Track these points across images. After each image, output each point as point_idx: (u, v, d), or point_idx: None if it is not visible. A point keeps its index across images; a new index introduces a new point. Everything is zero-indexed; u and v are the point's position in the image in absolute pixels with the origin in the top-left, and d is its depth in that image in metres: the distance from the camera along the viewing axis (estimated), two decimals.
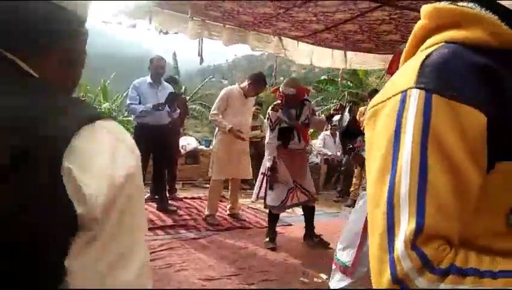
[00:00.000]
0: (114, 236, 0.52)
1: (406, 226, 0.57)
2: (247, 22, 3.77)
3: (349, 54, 4.81)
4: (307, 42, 4.36)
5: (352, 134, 3.01)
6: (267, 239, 3.89)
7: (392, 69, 2.47)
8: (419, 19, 2.53)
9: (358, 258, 2.46)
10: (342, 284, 2.53)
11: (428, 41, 0.70)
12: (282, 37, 4.29)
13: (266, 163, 3.84)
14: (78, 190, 0.48)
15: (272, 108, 3.82)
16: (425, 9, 0.71)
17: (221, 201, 5.00)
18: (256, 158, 6.00)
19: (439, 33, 0.68)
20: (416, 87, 0.60)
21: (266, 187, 3.82)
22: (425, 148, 0.58)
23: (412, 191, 0.58)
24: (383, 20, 3.41)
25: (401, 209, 0.58)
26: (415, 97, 0.60)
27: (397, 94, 0.63)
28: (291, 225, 4.77)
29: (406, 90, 0.61)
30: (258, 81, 4.42)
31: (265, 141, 3.92)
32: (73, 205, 0.48)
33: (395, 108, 0.62)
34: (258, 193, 3.96)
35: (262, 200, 4.03)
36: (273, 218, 3.98)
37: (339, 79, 7.30)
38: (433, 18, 0.70)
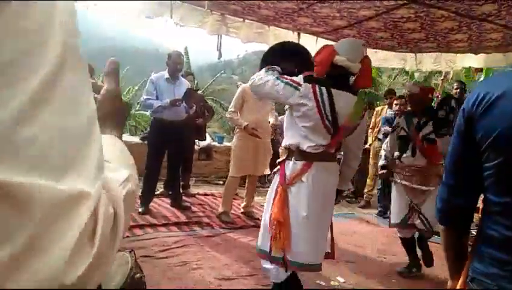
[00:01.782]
0: None
1: None
2: (267, 17, 3.70)
3: (369, 51, 4.71)
4: (327, 38, 4.26)
5: None
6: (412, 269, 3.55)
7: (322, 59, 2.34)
8: (446, 17, 2.52)
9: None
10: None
11: None
12: (302, 33, 4.21)
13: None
14: None
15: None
16: None
17: (234, 199, 4.95)
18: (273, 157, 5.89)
19: None
20: None
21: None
22: None
23: None
24: (409, 18, 3.31)
25: None
26: None
27: None
28: None
29: None
30: None
31: (384, 147, 3.71)
32: None
33: None
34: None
35: None
36: (408, 244, 3.55)
37: None
38: None
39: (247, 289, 2.93)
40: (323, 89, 2.23)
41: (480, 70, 5.60)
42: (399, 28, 3.57)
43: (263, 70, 2.39)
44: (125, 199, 0.56)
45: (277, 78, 2.29)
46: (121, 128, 0.82)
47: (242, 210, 4.80)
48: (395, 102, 5.39)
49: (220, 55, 3.79)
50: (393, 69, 9.90)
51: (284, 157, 2.45)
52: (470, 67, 5.35)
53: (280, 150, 2.25)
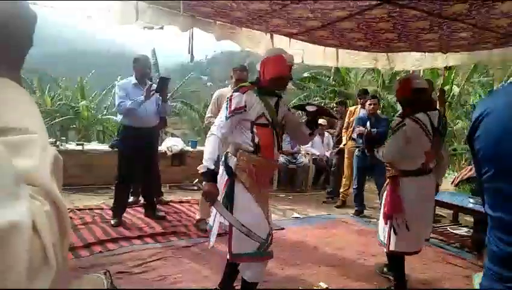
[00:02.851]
0: None
1: None
2: (239, 19, 3.60)
3: (341, 52, 4.71)
4: (301, 40, 4.21)
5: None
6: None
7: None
8: (418, 17, 2.61)
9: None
10: None
11: None
12: (274, 35, 4.14)
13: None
14: None
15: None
16: None
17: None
18: None
19: None
20: None
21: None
22: None
23: None
24: (382, 18, 3.30)
25: None
26: None
27: None
28: (283, 228, 4.64)
29: None
30: (234, 73, 4.26)
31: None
32: None
33: None
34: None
35: None
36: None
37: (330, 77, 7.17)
38: None
39: None
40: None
41: (449, 68, 5.72)
42: (372, 28, 3.56)
43: None
44: (52, 169, 0.55)
45: None
46: (19, 64, 0.66)
47: None
48: (368, 102, 5.41)
49: (193, 58, 3.66)
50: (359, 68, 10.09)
51: None
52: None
53: None
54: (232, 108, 2.37)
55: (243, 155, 2.43)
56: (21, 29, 0.65)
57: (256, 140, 2.42)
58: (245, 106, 2.38)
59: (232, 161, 2.45)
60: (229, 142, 2.51)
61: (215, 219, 2.54)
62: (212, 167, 2.29)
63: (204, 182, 2.32)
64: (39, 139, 0.56)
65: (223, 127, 2.37)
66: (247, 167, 2.42)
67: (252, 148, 2.43)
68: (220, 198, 2.39)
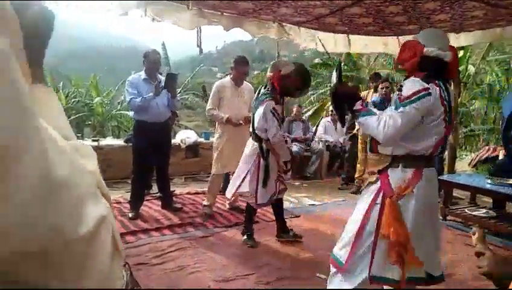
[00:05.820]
0: None
1: None
2: (247, 10, 3.59)
3: (352, 37, 4.66)
4: (310, 28, 4.18)
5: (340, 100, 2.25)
6: (246, 237, 3.68)
7: None
8: (428, 0, 2.57)
9: (352, 257, 2.14)
10: (342, 287, 2.17)
11: None
12: (284, 23, 4.12)
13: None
14: None
15: None
16: None
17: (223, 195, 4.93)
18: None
19: None
20: None
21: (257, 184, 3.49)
22: None
23: None
24: (391, 2, 3.25)
25: None
26: None
27: None
28: (299, 216, 4.67)
29: None
30: (236, 65, 4.31)
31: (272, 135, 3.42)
32: None
33: None
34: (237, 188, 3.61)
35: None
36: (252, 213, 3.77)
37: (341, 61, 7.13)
38: None
39: (248, 289, 2.88)
40: (441, 82, 2.08)
41: (462, 48, 5.61)
42: (382, 13, 3.50)
43: (374, 119, 2.06)
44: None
45: (398, 106, 2.03)
46: (41, 64, 0.67)
47: (228, 206, 4.75)
48: (380, 86, 5.35)
49: (201, 51, 3.68)
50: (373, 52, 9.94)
51: (387, 164, 2.20)
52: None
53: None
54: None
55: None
56: (46, 29, 0.65)
57: None
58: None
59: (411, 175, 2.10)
60: (401, 146, 2.10)
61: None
62: None
63: None
64: (88, 144, 0.63)
65: None
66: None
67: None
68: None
